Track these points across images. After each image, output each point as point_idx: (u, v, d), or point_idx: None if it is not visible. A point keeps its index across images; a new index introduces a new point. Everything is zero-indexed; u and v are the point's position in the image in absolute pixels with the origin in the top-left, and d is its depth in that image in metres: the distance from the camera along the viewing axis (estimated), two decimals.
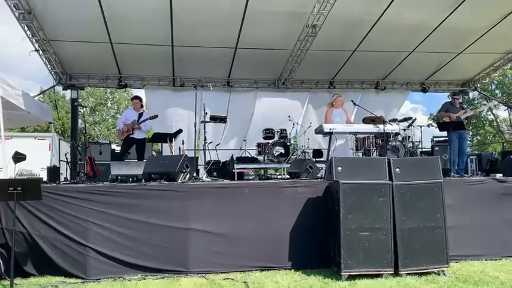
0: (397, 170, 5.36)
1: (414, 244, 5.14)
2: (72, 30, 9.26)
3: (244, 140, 11.15)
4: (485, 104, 24.86)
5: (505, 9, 9.38)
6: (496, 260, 5.84)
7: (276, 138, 10.14)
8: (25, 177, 8.21)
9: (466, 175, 8.03)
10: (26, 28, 8.84)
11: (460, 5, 8.99)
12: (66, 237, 5.18)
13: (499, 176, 6.65)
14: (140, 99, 9.29)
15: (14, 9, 8.23)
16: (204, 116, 8.09)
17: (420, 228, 5.19)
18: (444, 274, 5.10)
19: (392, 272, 5.07)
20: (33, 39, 9.25)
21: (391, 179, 5.31)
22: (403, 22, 9.60)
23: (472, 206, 6.03)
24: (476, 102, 28.46)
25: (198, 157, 9.74)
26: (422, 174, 5.41)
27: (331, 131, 7.86)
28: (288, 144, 10.02)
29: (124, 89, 21.50)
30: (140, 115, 8.86)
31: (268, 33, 9.73)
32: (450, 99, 9.06)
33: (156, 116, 8.98)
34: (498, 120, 30.47)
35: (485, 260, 5.81)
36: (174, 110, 11.50)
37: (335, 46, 10.45)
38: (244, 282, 4.94)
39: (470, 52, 11.06)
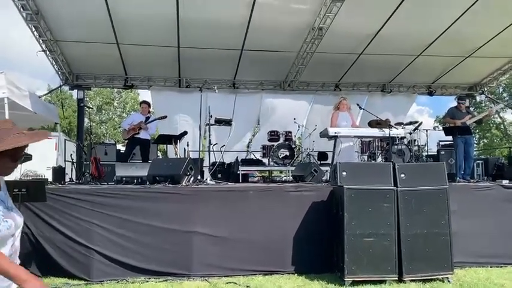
0: (402, 175, 5.33)
1: (419, 250, 5.11)
2: (79, 31, 9.29)
3: (250, 142, 11.13)
4: (491, 107, 24.64)
5: None
6: (501, 267, 5.79)
7: (281, 140, 10.12)
8: (30, 178, 8.24)
9: (472, 180, 7.96)
10: (34, 29, 8.88)
11: (466, 11, 8.92)
12: (70, 239, 5.21)
13: (505, 182, 6.59)
14: (149, 105, 9.58)
15: (22, 9, 8.23)
16: (209, 119, 8.10)
17: (425, 234, 5.16)
18: (449, 281, 5.07)
19: (396, 279, 5.04)
20: (41, 40, 9.26)
21: (396, 184, 5.28)
22: (410, 28, 9.53)
23: (478, 212, 5.99)
24: (483, 105, 28.23)
25: (203, 159, 9.75)
26: (428, 179, 5.38)
27: (336, 134, 7.82)
28: (293, 146, 10.00)
29: (130, 90, 21.58)
30: (147, 118, 8.95)
31: (274, 35, 9.69)
32: (456, 104, 9.00)
33: (165, 117, 9.07)
34: (505, 123, 30.21)
35: (491, 267, 5.77)
36: (180, 112, 11.49)
37: (341, 49, 10.39)
38: (247, 286, 4.94)
39: (477, 56, 10.95)
